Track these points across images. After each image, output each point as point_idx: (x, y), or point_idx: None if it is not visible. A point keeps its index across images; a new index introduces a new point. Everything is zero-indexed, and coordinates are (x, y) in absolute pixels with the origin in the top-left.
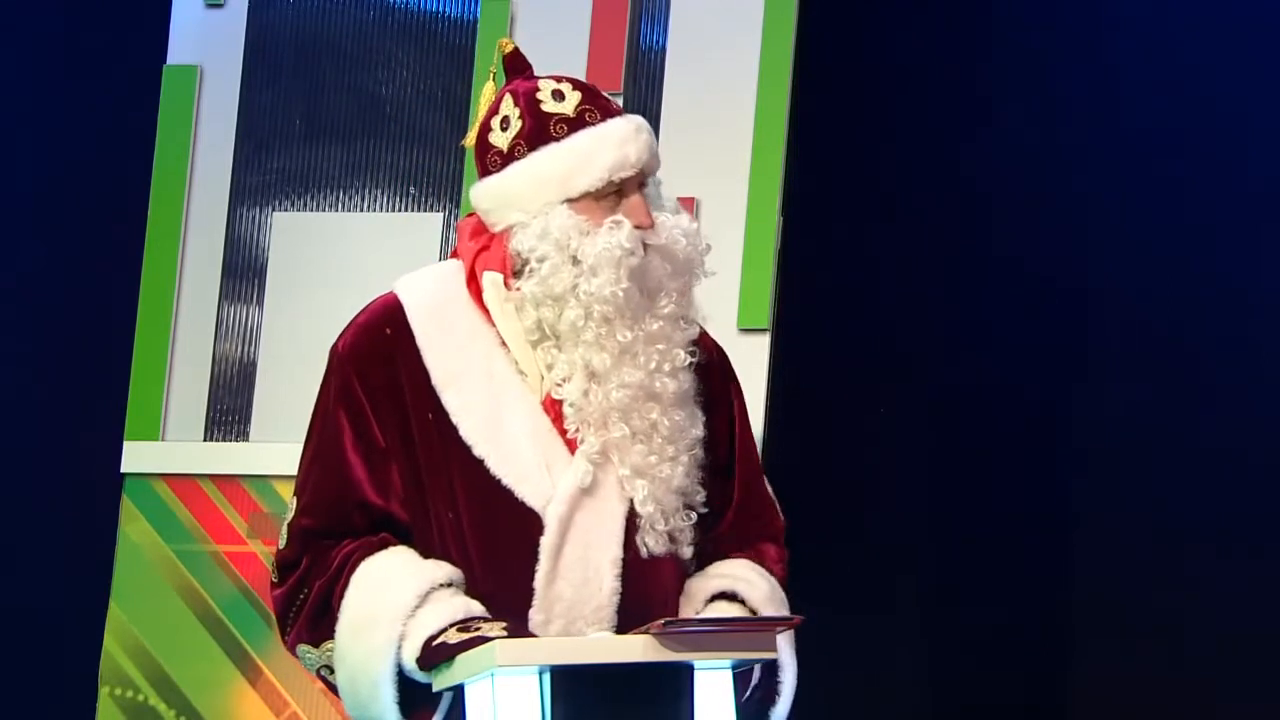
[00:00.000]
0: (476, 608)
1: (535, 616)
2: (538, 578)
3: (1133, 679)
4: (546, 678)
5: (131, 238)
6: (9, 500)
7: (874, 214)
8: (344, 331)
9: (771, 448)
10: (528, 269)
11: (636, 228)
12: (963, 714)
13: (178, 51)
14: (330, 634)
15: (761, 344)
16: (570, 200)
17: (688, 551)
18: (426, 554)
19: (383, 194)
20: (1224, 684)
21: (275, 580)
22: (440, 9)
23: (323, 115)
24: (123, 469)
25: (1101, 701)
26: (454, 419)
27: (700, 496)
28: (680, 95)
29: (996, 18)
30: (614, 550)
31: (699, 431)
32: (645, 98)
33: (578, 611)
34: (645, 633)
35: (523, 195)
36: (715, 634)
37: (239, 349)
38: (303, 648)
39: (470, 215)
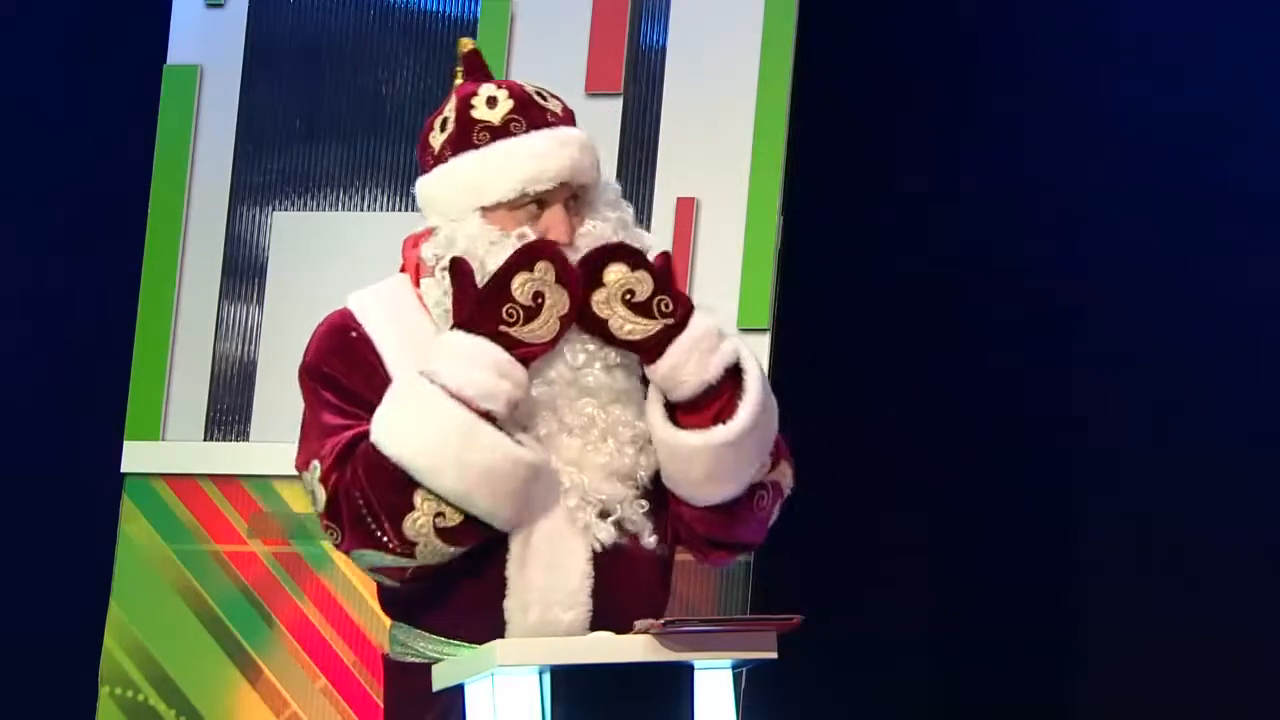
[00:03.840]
0: None
1: (511, 604)
2: (509, 566)
3: (1137, 680)
4: (546, 677)
5: (132, 237)
6: (9, 500)
7: (874, 213)
8: (305, 350)
9: None
10: (435, 277)
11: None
12: (965, 714)
13: (178, 51)
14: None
15: (762, 344)
16: (484, 209)
17: (651, 541)
18: None
19: (383, 194)
20: (1225, 685)
21: (325, 520)
22: (440, 9)
23: (323, 115)
24: (123, 469)
25: (1103, 702)
26: None
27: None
28: (680, 95)
29: (997, 17)
30: (579, 535)
31: (643, 427)
32: (645, 97)
33: (553, 598)
34: (645, 632)
35: (442, 199)
36: (715, 634)
37: (239, 349)
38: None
39: (411, 234)
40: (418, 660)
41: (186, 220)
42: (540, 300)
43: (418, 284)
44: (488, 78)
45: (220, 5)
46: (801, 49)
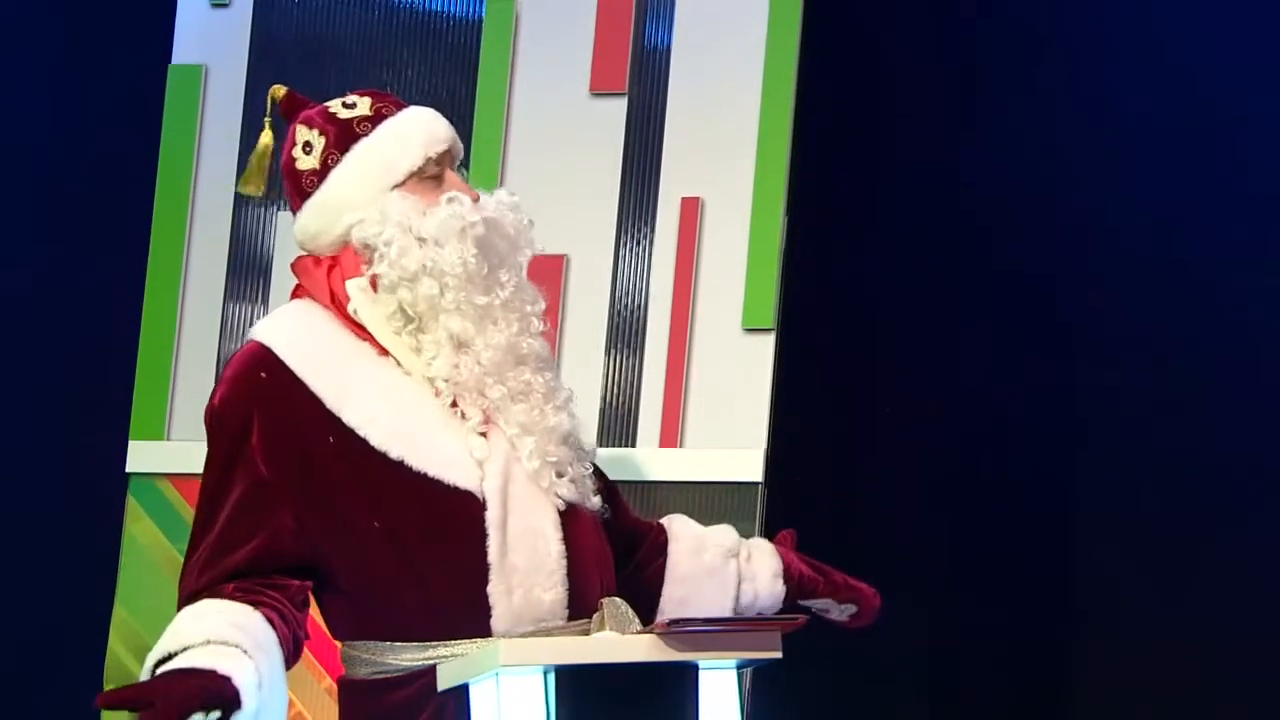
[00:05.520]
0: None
1: (496, 590)
2: (490, 553)
3: (1139, 681)
4: (551, 677)
5: (136, 237)
6: (14, 500)
7: (879, 214)
8: (214, 390)
9: (775, 448)
10: (378, 255)
11: None
12: (966, 715)
13: (183, 51)
14: None
15: (766, 344)
16: (397, 185)
17: (596, 501)
18: (352, 569)
19: None
20: (1226, 686)
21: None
22: (445, 9)
23: None
24: (128, 469)
25: (1104, 702)
26: (360, 433)
27: (592, 446)
28: (685, 94)
29: (1001, 18)
30: (551, 512)
31: (570, 390)
32: (650, 97)
33: (534, 579)
34: (649, 632)
35: (350, 196)
36: (720, 634)
37: None
38: None
39: (299, 259)
40: (392, 675)
41: (191, 220)
42: None
43: (333, 299)
44: (312, 104)
45: (225, 5)
46: (806, 48)
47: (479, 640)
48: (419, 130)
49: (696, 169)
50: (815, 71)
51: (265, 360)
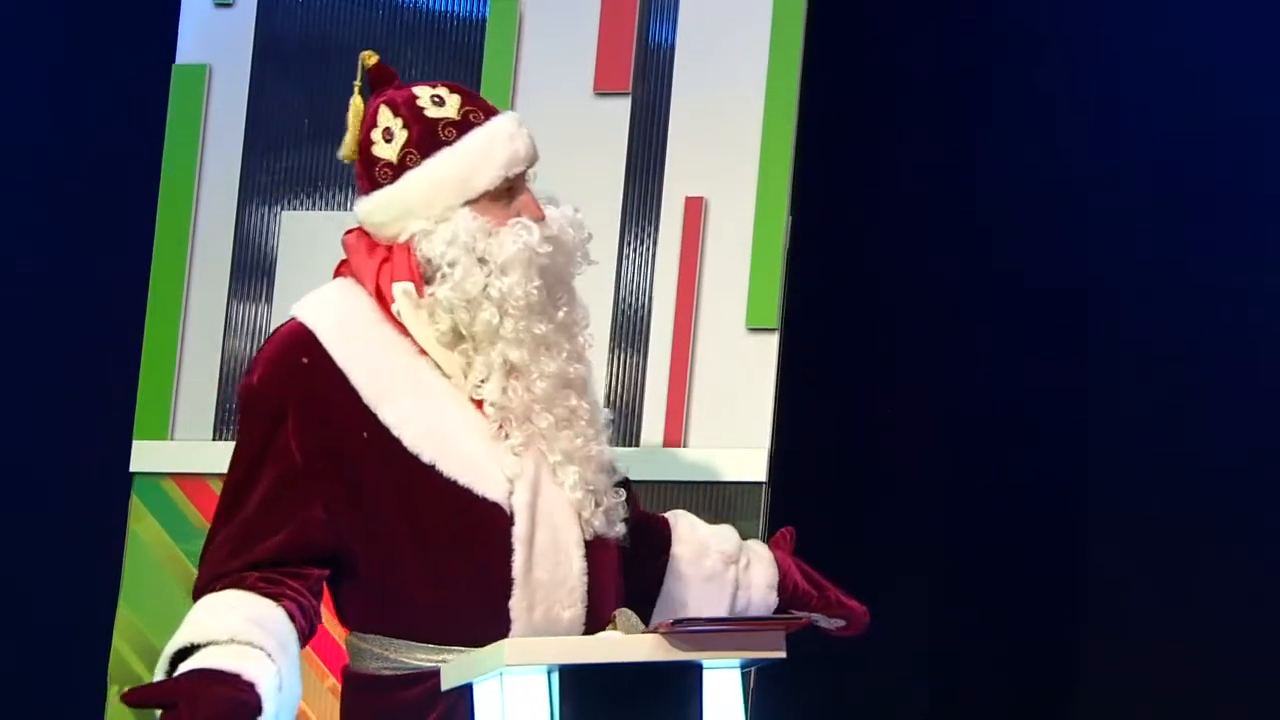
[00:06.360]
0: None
1: (518, 605)
2: (515, 567)
3: (1141, 682)
4: (555, 676)
5: (140, 237)
6: (18, 500)
7: (882, 213)
8: (252, 367)
9: (779, 447)
10: (439, 275)
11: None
12: (967, 715)
13: (187, 51)
14: None
15: (770, 343)
16: (470, 202)
17: (622, 528)
18: (374, 564)
19: None
20: (1227, 686)
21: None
22: (449, 8)
23: (331, 115)
24: (131, 468)
25: (1105, 702)
26: (395, 431)
27: (624, 471)
28: (689, 93)
29: (1005, 18)
30: (575, 531)
31: (610, 414)
32: (654, 97)
33: (555, 596)
34: (654, 632)
35: (421, 202)
36: (723, 633)
37: (248, 348)
38: None
39: (351, 231)
40: (402, 672)
41: (195, 220)
42: None
43: (378, 292)
44: (401, 84)
45: (229, 5)
46: (810, 48)
47: None
48: (501, 149)
49: (700, 168)
50: (819, 71)
51: (307, 343)
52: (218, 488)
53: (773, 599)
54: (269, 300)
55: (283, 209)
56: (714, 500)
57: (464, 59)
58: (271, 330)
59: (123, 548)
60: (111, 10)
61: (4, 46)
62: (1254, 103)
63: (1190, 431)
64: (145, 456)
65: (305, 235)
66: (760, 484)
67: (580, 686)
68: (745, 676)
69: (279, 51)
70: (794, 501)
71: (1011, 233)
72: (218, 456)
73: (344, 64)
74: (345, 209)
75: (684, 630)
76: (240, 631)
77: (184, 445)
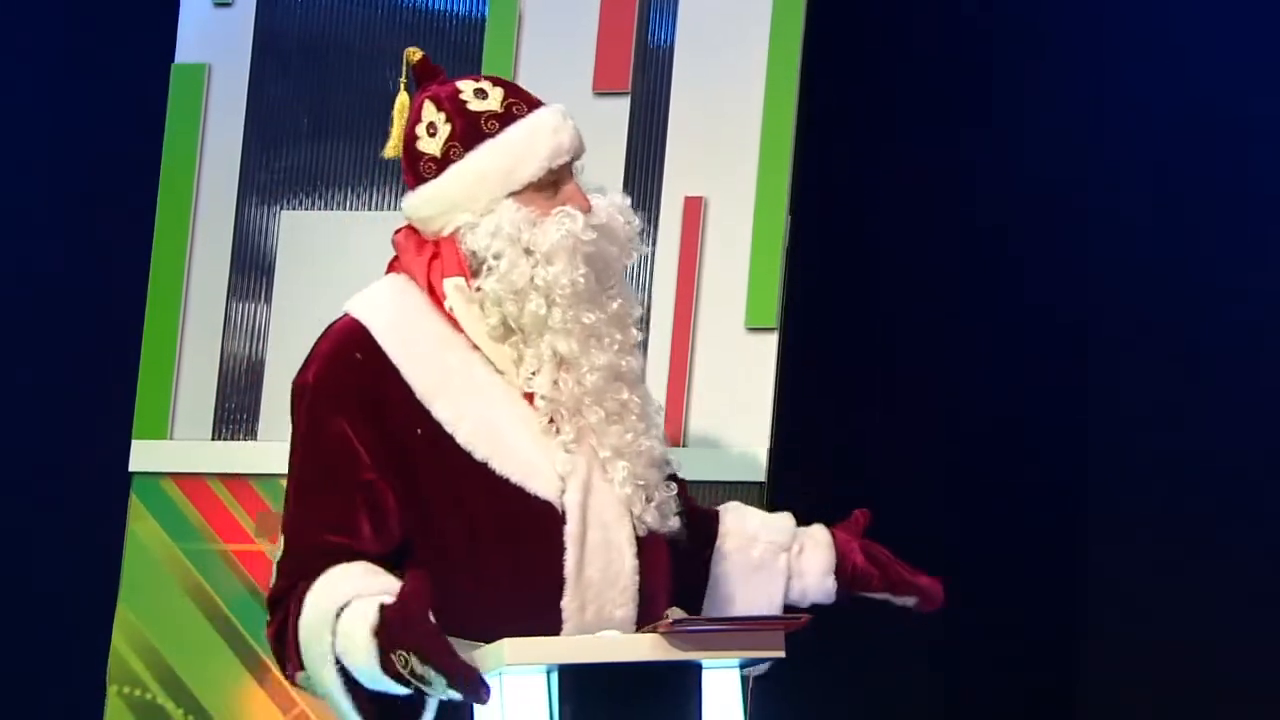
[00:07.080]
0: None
1: (570, 605)
2: (567, 566)
3: (1143, 683)
4: (555, 676)
5: (140, 236)
6: (17, 499)
7: (882, 212)
8: (307, 363)
9: (778, 447)
10: (485, 267)
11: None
12: (969, 715)
13: (186, 50)
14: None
15: (769, 343)
16: (514, 194)
17: (675, 523)
18: (425, 557)
19: (390, 192)
20: (1227, 686)
21: (268, 619)
22: (448, 7)
23: (331, 113)
24: (130, 468)
25: (1105, 702)
26: (448, 429)
27: (676, 466)
28: (688, 93)
29: (1006, 15)
30: (627, 529)
31: (660, 406)
32: (653, 96)
33: (606, 595)
34: (653, 631)
35: (466, 195)
36: (723, 633)
37: (247, 347)
38: (301, 675)
39: (400, 229)
40: None
41: (194, 219)
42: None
43: (430, 288)
44: (445, 79)
45: (228, 4)
46: (809, 47)
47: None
48: (545, 141)
49: (700, 168)
50: (819, 70)
51: (361, 340)
52: (217, 487)
53: (830, 584)
54: (268, 299)
55: (282, 208)
56: (714, 500)
57: (463, 58)
58: (273, 328)
59: (122, 547)
60: (111, 10)
61: (4, 46)
62: (1254, 103)
63: (1190, 431)
64: (144, 456)
65: (305, 234)
66: (759, 484)
67: (580, 686)
68: (744, 676)
69: (278, 50)
70: (793, 501)
71: (1011, 231)
72: (217, 456)
73: (343, 63)
74: (345, 208)
75: (683, 630)
76: (390, 587)
77: (183, 445)
